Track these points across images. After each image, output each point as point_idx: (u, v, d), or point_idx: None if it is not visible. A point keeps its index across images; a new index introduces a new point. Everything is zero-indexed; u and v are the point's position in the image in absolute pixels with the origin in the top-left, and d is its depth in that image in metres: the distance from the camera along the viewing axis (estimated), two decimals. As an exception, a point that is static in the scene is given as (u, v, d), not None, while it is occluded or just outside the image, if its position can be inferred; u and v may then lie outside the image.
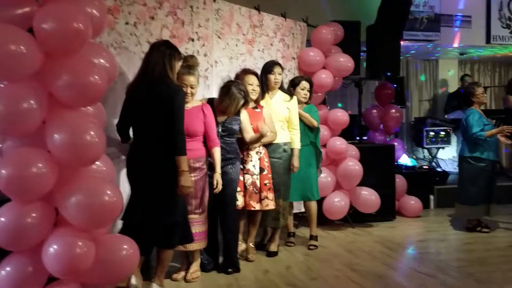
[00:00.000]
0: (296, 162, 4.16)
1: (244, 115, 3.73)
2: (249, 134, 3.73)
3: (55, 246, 2.44)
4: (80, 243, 2.47)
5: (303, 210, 4.73)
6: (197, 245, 3.44)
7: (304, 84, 4.33)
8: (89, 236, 2.56)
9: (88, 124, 2.53)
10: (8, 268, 2.51)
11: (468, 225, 4.99)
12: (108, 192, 2.54)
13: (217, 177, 3.44)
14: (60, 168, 2.53)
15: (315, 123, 4.36)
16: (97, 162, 2.66)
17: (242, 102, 3.56)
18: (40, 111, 2.46)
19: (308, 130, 4.38)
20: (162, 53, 3.00)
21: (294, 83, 4.36)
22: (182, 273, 3.53)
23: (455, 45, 7.01)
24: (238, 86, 3.58)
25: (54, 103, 2.53)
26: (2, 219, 2.45)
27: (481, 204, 4.81)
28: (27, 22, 2.50)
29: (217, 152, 3.46)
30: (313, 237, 4.48)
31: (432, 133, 7.21)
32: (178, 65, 3.10)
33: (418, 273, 3.68)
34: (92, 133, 2.48)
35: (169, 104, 2.93)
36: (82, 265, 2.48)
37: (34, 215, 2.47)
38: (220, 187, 3.45)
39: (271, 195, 3.90)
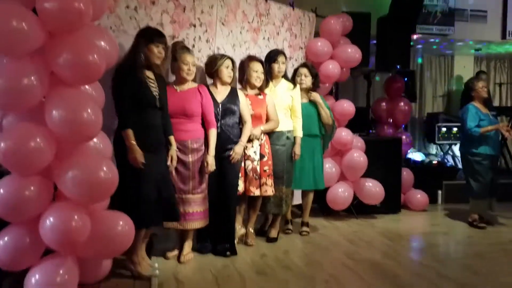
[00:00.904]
0: (297, 149, 4.18)
1: (242, 98, 3.77)
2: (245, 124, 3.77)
3: (51, 219, 2.52)
4: (75, 217, 2.55)
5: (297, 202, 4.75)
6: (194, 224, 3.51)
7: (300, 70, 4.36)
8: (85, 210, 2.65)
9: (85, 102, 2.60)
10: (6, 239, 2.60)
11: (469, 219, 4.92)
12: (104, 168, 2.62)
13: (209, 159, 3.48)
14: (58, 144, 2.62)
15: (330, 121, 4.42)
16: (94, 140, 2.75)
17: (223, 58, 3.66)
18: (40, 88, 2.53)
19: (314, 121, 4.41)
20: (135, 40, 3.16)
21: (294, 72, 4.40)
22: (175, 252, 3.60)
23: (469, 40, 6.91)
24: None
25: (54, 81, 2.61)
26: (2, 191, 2.54)
27: (482, 199, 4.81)
28: (32, 2, 2.59)
29: (212, 134, 3.51)
30: (305, 224, 4.54)
31: (444, 129, 7.14)
32: (152, 49, 3.15)
33: (416, 263, 3.69)
34: (89, 110, 2.56)
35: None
36: (77, 237, 2.56)
37: (32, 188, 2.55)
38: (210, 169, 3.49)
39: (270, 181, 3.94)
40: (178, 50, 3.42)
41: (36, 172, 2.58)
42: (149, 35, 3.16)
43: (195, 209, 3.48)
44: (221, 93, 3.72)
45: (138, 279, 3.17)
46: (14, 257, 2.59)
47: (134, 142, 3.05)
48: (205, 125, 3.52)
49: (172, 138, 3.33)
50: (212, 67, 3.66)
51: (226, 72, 3.66)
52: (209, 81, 3.86)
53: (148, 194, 3.10)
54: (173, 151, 3.31)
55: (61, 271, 2.56)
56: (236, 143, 3.69)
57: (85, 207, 2.67)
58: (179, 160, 3.42)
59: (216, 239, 3.74)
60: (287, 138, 4.12)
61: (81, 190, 2.58)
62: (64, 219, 2.53)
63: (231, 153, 3.65)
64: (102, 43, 2.85)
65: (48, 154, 2.56)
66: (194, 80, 3.56)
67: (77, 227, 2.55)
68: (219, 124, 3.63)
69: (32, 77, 2.49)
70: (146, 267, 3.23)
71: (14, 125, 2.62)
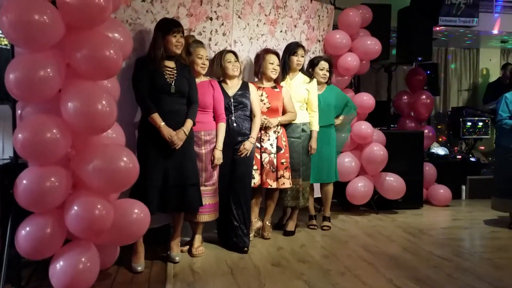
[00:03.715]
0: (314, 144, 4.16)
1: (253, 92, 3.76)
2: (254, 117, 3.75)
3: (78, 208, 2.59)
4: (100, 206, 2.62)
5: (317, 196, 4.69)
6: (206, 217, 3.52)
7: (323, 64, 4.32)
8: (108, 199, 2.72)
9: (100, 94, 2.64)
10: (28, 229, 2.65)
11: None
12: (125, 158, 2.67)
13: (216, 153, 3.51)
14: (76, 135, 2.67)
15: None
16: (109, 131, 2.79)
17: (222, 53, 3.66)
18: (56, 80, 2.58)
19: (333, 111, 4.38)
20: (154, 34, 3.25)
21: (313, 64, 4.35)
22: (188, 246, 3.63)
23: (495, 31, 6.73)
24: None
25: (70, 73, 2.66)
26: (24, 182, 2.60)
27: (505, 198, 4.48)
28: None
29: (221, 128, 3.54)
30: (326, 218, 4.51)
31: (469, 124, 7.00)
32: (170, 39, 3.22)
33: (434, 256, 3.62)
34: (103, 102, 2.60)
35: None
36: (103, 225, 2.63)
37: (53, 179, 2.60)
38: (217, 162, 3.51)
39: (287, 174, 3.93)
40: (192, 44, 3.45)
41: (52, 162, 2.63)
42: (165, 27, 3.22)
43: (207, 201, 3.49)
44: (232, 87, 3.73)
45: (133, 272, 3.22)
46: (36, 246, 2.65)
47: (163, 123, 3.17)
48: (215, 118, 3.55)
49: (188, 121, 3.29)
50: (217, 67, 3.66)
51: (230, 66, 3.66)
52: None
53: (151, 181, 3.13)
54: (181, 131, 3.23)
55: (83, 258, 2.64)
56: (246, 135, 3.69)
57: (106, 195, 2.72)
58: None
59: (229, 232, 3.69)
60: (303, 130, 4.10)
61: (104, 179, 2.64)
62: (91, 208, 2.60)
63: (240, 147, 3.64)
64: (116, 35, 2.89)
65: (63, 144, 2.60)
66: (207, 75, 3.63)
67: (104, 215, 2.62)
68: (232, 118, 3.65)
69: (49, 69, 2.53)
70: (141, 258, 3.28)
71: (31, 116, 2.67)
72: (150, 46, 3.24)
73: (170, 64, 3.28)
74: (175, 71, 3.28)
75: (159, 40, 3.20)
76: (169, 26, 3.22)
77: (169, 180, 3.23)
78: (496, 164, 4.70)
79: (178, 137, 3.21)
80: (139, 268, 3.21)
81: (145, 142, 3.19)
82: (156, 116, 3.15)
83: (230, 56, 3.67)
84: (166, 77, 3.23)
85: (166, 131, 3.17)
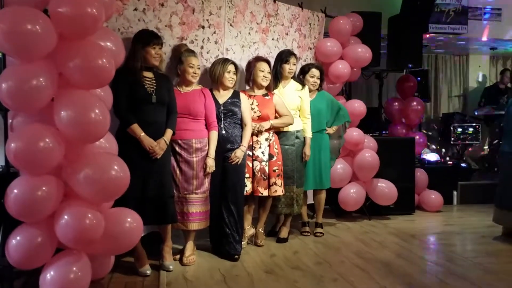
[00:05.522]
0: (308, 150, 4.18)
1: (244, 100, 3.78)
2: (245, 126, 3.76)
3: (68, 218, 2.57)
4: (91, 215, 2.60)
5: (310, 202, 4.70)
6: (196, 225, 3.51)
7: (314, 71, 4.34)
8: (98, 208, 2.70)
9: (93, 103, 2.63)
10: (18, 238, 2.63)
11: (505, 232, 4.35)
12: (116, 167, 2.67)
13: (208, 161, 3.51)
14: (68, 144, 2.66)
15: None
16: (102, 140, 2.79)
17: (225, 63, 3.66)
18: (49, 89, 2.57)
19: (324, 117, 4.40)
20: (132, 44, 3.24)
21: (304, 71, 4.38)
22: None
23: (484, 38, 6.82)
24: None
25: (62, 82, 2.66)
26: (15, 191, 2.59)
27: (500, 208, 4.32)
28: (43, 4, 2.65)
29: (213, 136, 3.54)
30: (319, 225, 4.52)
31: (459, 129, 7.06)
32: (150, 51, 3.23)
33: (426, 261, 3.65)
34: (96, 111, 2.59)
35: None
36: (93, 235, 2.62)
37: (45, 188, 2.58)
38: (209, 170, 3.51)
39: (279, 181, 3.94)
40: (184, 52, 3.47)
41: (45, 172, 2.62)
42: (145, 38, 3.23)
43: (197, 209, 3.49)
44: (223, 95, 3.73)
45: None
46: (27, 256, 2.63)
47: (143, 134, 3.16)
48: (207, 126, 3.56)
49: (168, 131, 3.30)
50: (215, 73, 3.67)
51: (228, 76, 3.67)
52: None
53: (130, 192, 2.88)
54: (162, 140, 3.23)
55: (74, 268, 2.62)
56: (236, 143, 3.69)
57: (97, 205, 2.71)
58: (183, 160, 3.46)
59: (221, 240, 3.68)
60: (297, 137, 4.13)
61: (95, 189, 2.63)
62: (81, 218, 2.58)
63: (231, 155, 3.65)
64: (108, 44, 2.90)
65: (57, 154, 2.59)
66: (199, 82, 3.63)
67: (94, 224, 2.60)
68: (222, 125, 3.66)
69: (41, 79, 2.52)
70: (146, 261, 3.32)
71: (24, 126, 2.67)
72: (128, 57, 3.21)
73: (149, 74, 3.28)
74: (154, 81, 3.28)
75: (139, 51, 3.20)
76: (149, 37, 3.24)
77: (148, 192, 3.22)
78: (506, 172, 4.33)
79: (159, 146, 3.22)
80: (148, 272, 3.25)
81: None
82: (136, 127, 3.15)
83: (231, 68, 3.69)
84: (146, 87, 3.23)
85: (147, 141, 3.16)
